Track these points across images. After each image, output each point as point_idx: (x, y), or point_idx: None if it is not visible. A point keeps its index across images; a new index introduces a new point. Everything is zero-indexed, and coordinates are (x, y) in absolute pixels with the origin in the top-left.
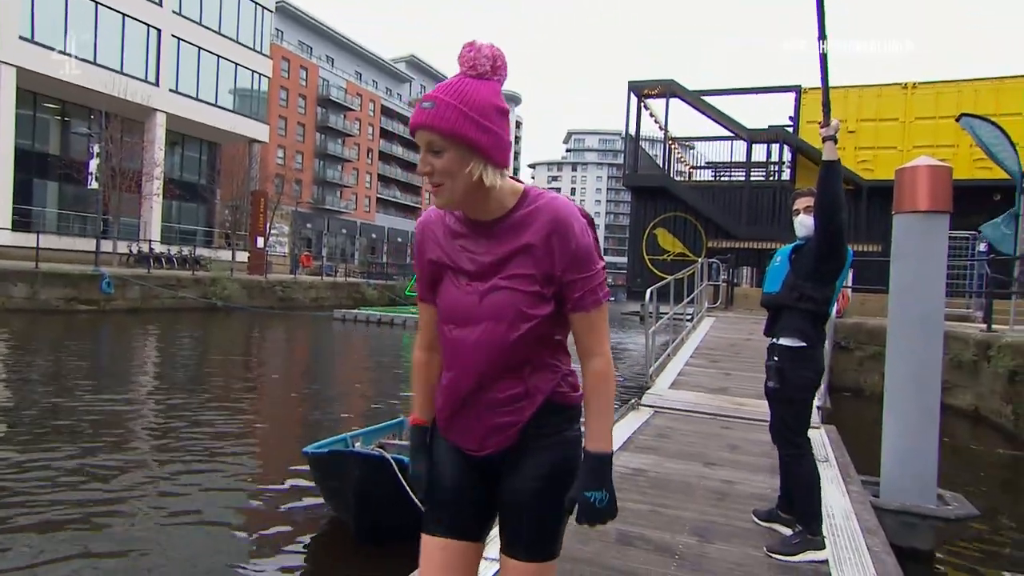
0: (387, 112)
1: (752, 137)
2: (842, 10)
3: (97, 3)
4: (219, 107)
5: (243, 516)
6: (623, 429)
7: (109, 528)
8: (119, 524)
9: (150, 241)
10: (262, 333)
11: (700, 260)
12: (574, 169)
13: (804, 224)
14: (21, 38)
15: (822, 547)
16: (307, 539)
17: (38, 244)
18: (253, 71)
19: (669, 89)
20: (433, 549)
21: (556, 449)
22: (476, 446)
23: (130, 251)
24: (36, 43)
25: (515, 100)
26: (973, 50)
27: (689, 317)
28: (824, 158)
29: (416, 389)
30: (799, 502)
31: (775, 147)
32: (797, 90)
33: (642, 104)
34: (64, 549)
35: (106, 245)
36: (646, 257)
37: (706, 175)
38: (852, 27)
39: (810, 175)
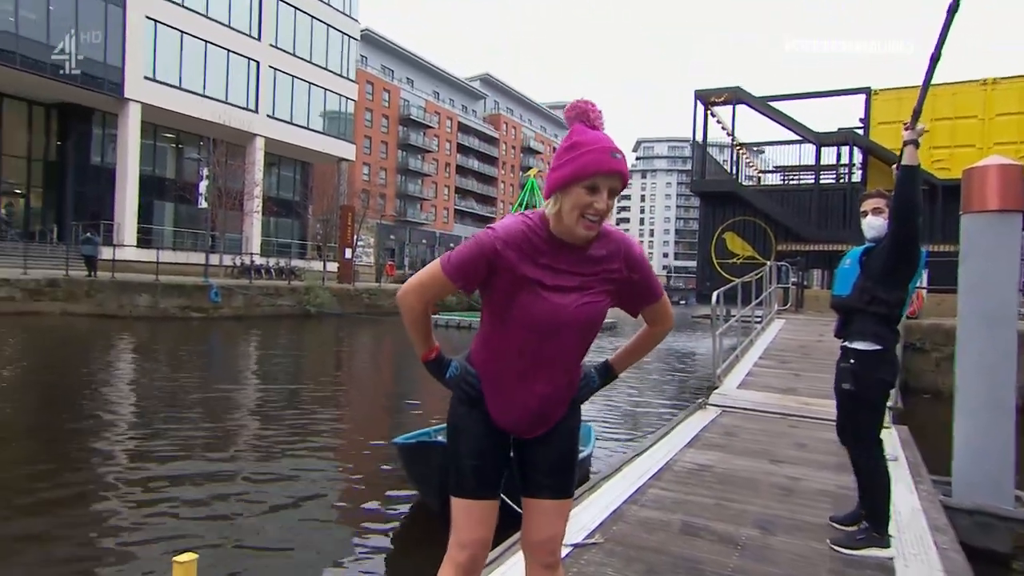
0: (463, 128)
1: (821, 140)
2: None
3: (206, 42)
4: (311, 130)
5: (337, 498)
6: (690, 427)
7: (212, 504)
8: (221, 502)
9: (251, 254)
10: (351, 337)
11: (769, 263)
12: (643, 176)
13: (872, 226)
14: (145, 78)
15: (887, 546)
16: (398, 520)
17: (158, 259)
18: (341, 95)
19: (735, 96)
20: (469, 508)
21: (576, 410)
22: (530, 430)
23: (234, 263)
24: (157, 81)
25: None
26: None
27: (758, 319)
28: (903, 162)
29: (423, 333)
30: (867, 501)
31: (844, 149)
32: (867, 92)
33: (709, 111)
34: (169, 521)
35: (213, 258)
36: (715, 261)
37: (774, 179)
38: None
39: (881, 177)
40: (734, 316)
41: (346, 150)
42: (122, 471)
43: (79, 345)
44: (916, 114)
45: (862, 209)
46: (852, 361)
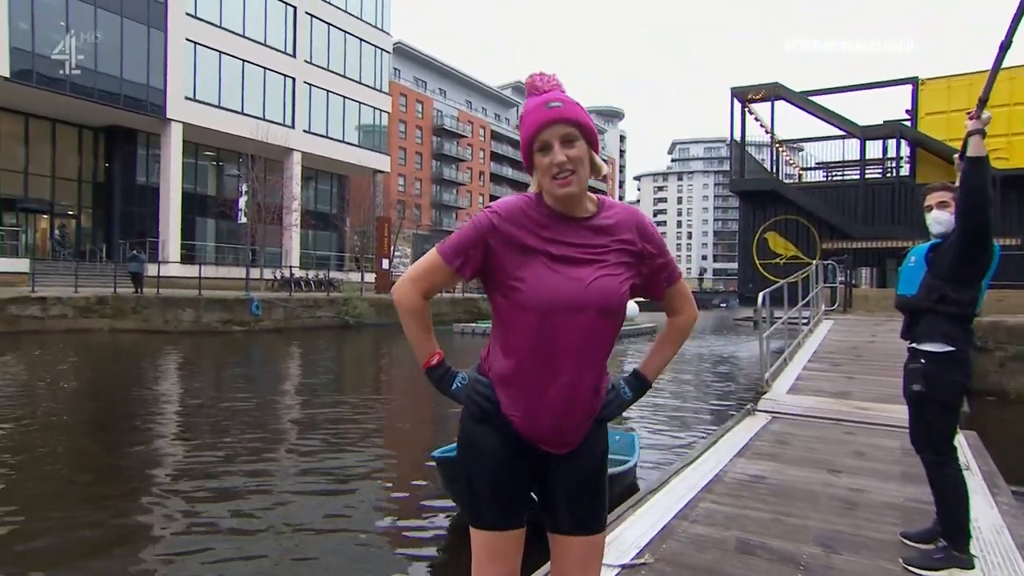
0: (496, 136)
1: (866, 134)
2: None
3: (244, 61)
4: (346, 143)
5: (376, 512)
6: (739, 435)
7: (251, 516)
8: (261, 514)
9: (290, 267)
10: (389, 347)
11: (815, 262)
12: (679, 179)
13: (939, 221)
14: (186, 98)
15: (970, 566)
16: (437, 534)
17: (200, 274)
18: (375, 108)
19: (774, 92)
20: (489, 541)
21: (604, 431)
22: (566, 441)
23: (274, 277)
24: (197, 101)
25: (618, 115)
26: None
27: (805, 321)
28: (970, 154)
29: (423, 331)
30: (944, 515)
31: (891, 143)
32: (914, 82)
33: (746, 109)
34: (208, 529)
35: (254, 272)
36: (757, 262)
37: (817, 176)
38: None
39: (931, 169)
40: (780, 318)
41: (381, 162)
42: (167, 484)
43: (128, 361)
44: (982, 102)
45: (926, 203)
46: (923, 362)
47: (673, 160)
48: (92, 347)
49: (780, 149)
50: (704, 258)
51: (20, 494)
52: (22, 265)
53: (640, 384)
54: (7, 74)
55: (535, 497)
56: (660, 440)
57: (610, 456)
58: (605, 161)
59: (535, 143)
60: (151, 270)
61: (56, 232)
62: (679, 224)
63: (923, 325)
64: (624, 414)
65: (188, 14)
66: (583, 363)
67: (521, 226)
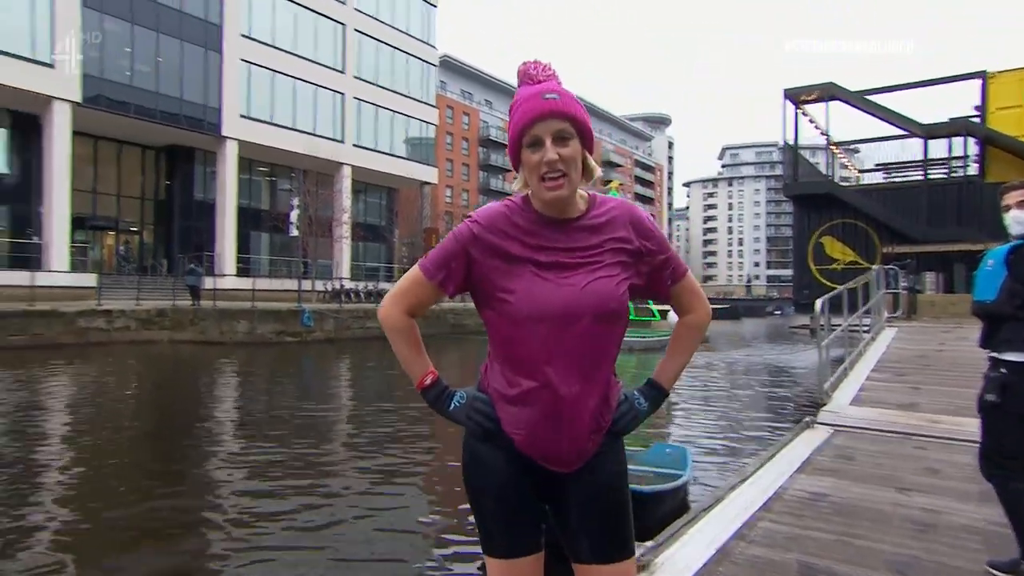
0: None
1: (929, 132)
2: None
3: (295, 78)
4: (394, 156)
5: (424, 526)
6: (798, 449)
7: (301, 528)
8: (309, 519)
9: (340, 279)
10: (437, 357)
11: (875, 267)
12: (730, 184)
13: (1019, 220)
14: (241, 116)
15: None
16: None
17: (254, 286)
18: (422, 121)
19: (828, 92)
20: (504, 570)
21: (619, 446)
22: (572, 459)
23: (325, 289)
24: (251, 118)
25: (665, 121)
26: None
27: (866, 329)
28: None
29: (413, 349)
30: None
31: (956, 141)
32: (982, 76)
33: (799, 111)
34: (271, 529)
35: (306, 284)
36: (813, 267)
37: (876, 178)
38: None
39: (1003, 167)
40: (838, 325)
41: (429, 174)
42: (222, 487)
43: (186, 371)
44: None
45: (1004, 203)
46: (1003, 371)
47: (724, 166)
48: (153, 358)
49: (835, 151)
50: (756, 264)
51: (87, 493)
52: (90, 280)
53: (656, 393)
54: (79, 99)
55: (549, 522)
56: (712, 454)
57: (660, 470)
58: (651, 168)
59: (525, 137)
60: (208, 283)
61: (121, 248)
62: (730, 230)
63: (1004, 332)
64: (674, 427)
65: (243, 35)
66: (586, 374)
67: (504, 234)
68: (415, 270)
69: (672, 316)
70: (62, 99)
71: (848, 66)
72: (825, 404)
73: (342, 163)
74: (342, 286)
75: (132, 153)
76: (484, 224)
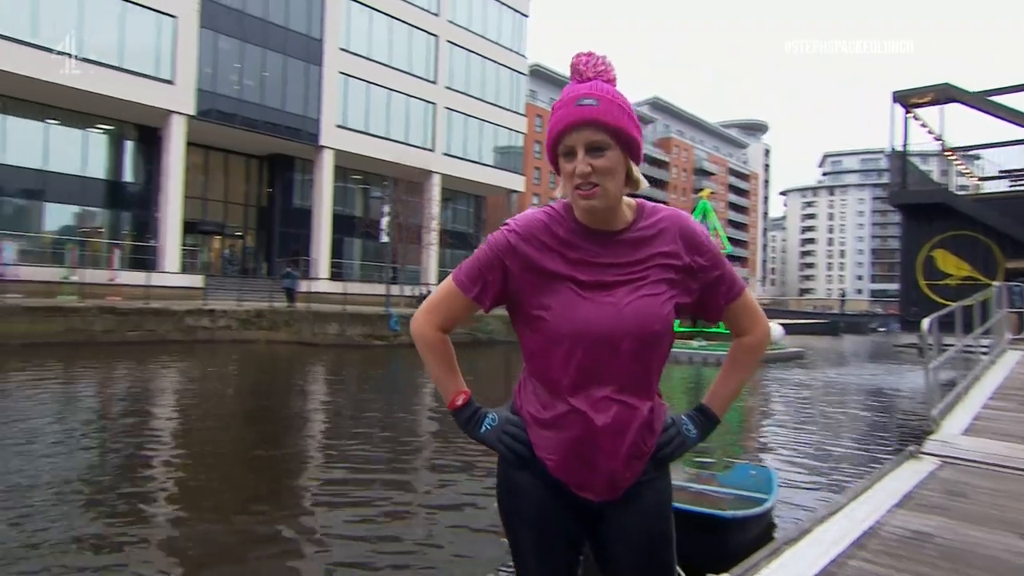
0: None
1: None
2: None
3: (390, 89)
4: (483, 164)
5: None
6: (899, 481)
7: (379, 530)
8: (392, 524)
9: (427, 284)
10: (519, 363)
11: (995, 283)
12: (831, 193)
13: None
14: (337, 126)
15: None
16: None
17: (345, 290)
18: (511, 130)
19: (943, 94)
20: None
21: (665, 476)
22: (608, 488)
23: (412, 294)
24: (347, 128)
25: (761, 128)
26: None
27: (984, 351)
28: None
29: (445, 367)
30: None
31: None
32: None
33: (910, 115)
34: (351, 524)
35: (394, 289)
36: (922, 283)
37: (999, 186)
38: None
39: None
40: (951, 346)
41: (516, 182)
42: (312, 481)
43: (280, 370)
44: None
45: None
46: None
47: (824, 174)
48: (251, 356)
49: (951, 157)
50: (859, 278)
51: (188, 480)
52: (198, 281)
53: (706, 420)
54: (194, 112)
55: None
56: (800, 480)
57: (742, 493)
58: (746, 176)
59: (559, 146)
60: (303, 286)
61: (226, 251)
62: (830, 242)
63: None
64: (759, 447)
65: (341, 48)
66: (626, 397)
67: (543, 245)
68: (448, 282)
69: (778, 330)
70: (179, 113)
71: (962, 68)
72: (932, 432)
73: (432, 171)
74: (428, 291)
75: (238, 162)
76: (522, 233)
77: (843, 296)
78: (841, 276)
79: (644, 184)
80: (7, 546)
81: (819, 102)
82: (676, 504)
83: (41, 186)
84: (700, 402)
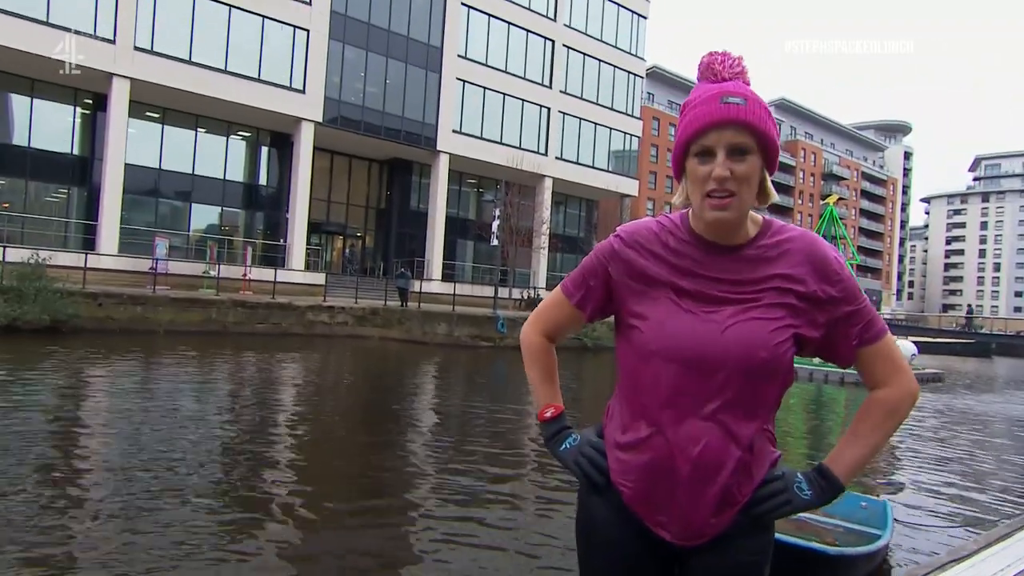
0: None
1: None
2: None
3: (504, 95)
4: (596, 168)
5: None
6: None
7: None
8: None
9: (535, 288)
10: None
11: None
12: (984, 200)
13: None
14: (453, 131)
15: None
16: None
17: (454, 291)
18: (626, 133)
19: None
20: None
21: (765, 534)
22: (693, 533)
23: (522, 296)
24: (462, 133)
25: (903, 129)
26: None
27: None
28: None
29: (544, 376)
30: None
31: None
32: None
33: None
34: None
35: (504, 292)
36: None
37: None
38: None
39: None
40: None
41: (630, 186)
42: (419, 480)
43: (392, 366)
44: None
45: None
46: None
47: (976, 179)
48: (364, 351)
49: None
50: (1018, 295)
51: (300, 471)
52: (319, 278)
53: (827, 484)
54: (321, 119)
55: None
56: (921, 518)
57: (853, 527)
58: (883, 181)
59: (694, 145)
60: (416, 286)
61: (347, 251)
62: (982, 253)
63: None
64: (876, 476)
65: (459, 55)
66: (721, 431)
67: (648, 252)
68: (556, 289)
69: (903, 346)
70: (308, 120)
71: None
72: None
73: (544, 175)
74: (536, 295)
75: (360, 166)
76: (627, 238)
77: (970, 313)
78: (994, 292)
79: (775, 197)
80: (140, 507)
81: (971, 100)
82: (775, 535)
83: (189, 188)
84: (821, 462)
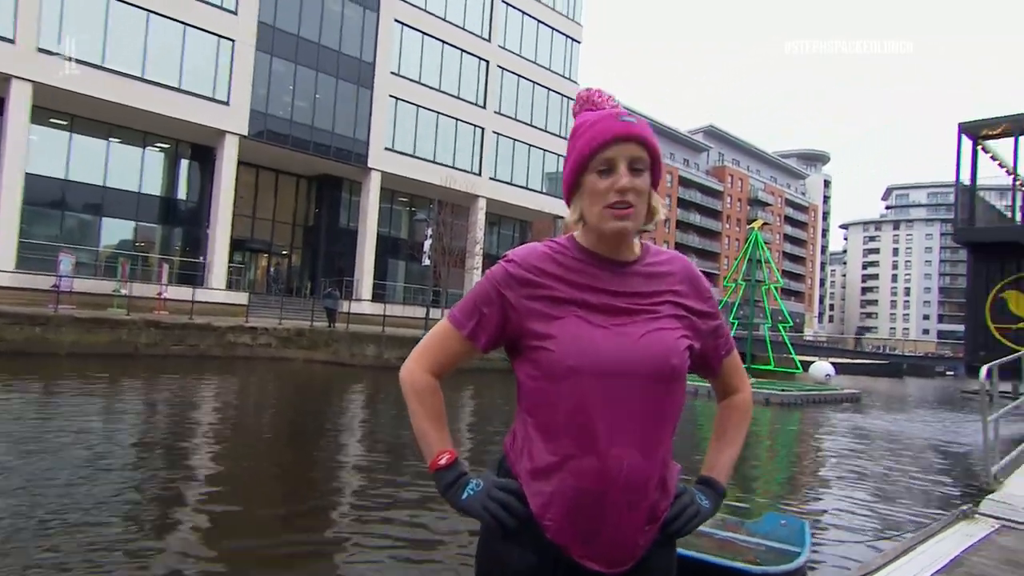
0: (684, 182)
1: None
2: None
3: (438, 113)
4: (529, 189)
5: None
6: (948, 544)
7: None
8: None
9: None
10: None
11: None
12: (896, 228)
13: None
14: (385, 149)
15: None
16: None
17: (385, 312)
18: (559, 155)
19: (1018, 126)
20: None
21: (672, 554)
22: (625, 557)
23: None
24: (395, 151)
25: (822, 159)
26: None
27: None
28: None
29: (431, 419)
30: None
31: None
32: None
33: (979, 147)
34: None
35: (436, 313)
36: (991, 326)
37: None
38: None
39: None
40: (1018, 396)
41: (563, 208)
42: (344, 505)
43: (317, 389)
44: None
45: None
46: None
47: (888, 207)
48: (288, 374)
49: None
50: (926, 318)
51: (221, 496)
52: (242, 298)
53: (714, 493)
54: (246, 133)
55: None
56: (835, 534)
57: (774, 545)
58: (805, 208)
59: (594, 160)
60: (345, 307)
61: (272, 270)
62: (894, 279)
63: None
64: (792, 496)
65: (392, 72)
66: (643, 446)
67: (546, 273)
68: (443, 320)
69: (821, 367)
70: (232, 132)
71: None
72: (992, 492)
73: (478, 195)
74: None
75: (287, 182)
76: (520, 262)
77: (859, 333)
78: (906, 315)
79: (661, 215)
80: (27, 543)
81: (883, 133)
82: (701, 555)
83: (99, 201)
84: (703, 474)
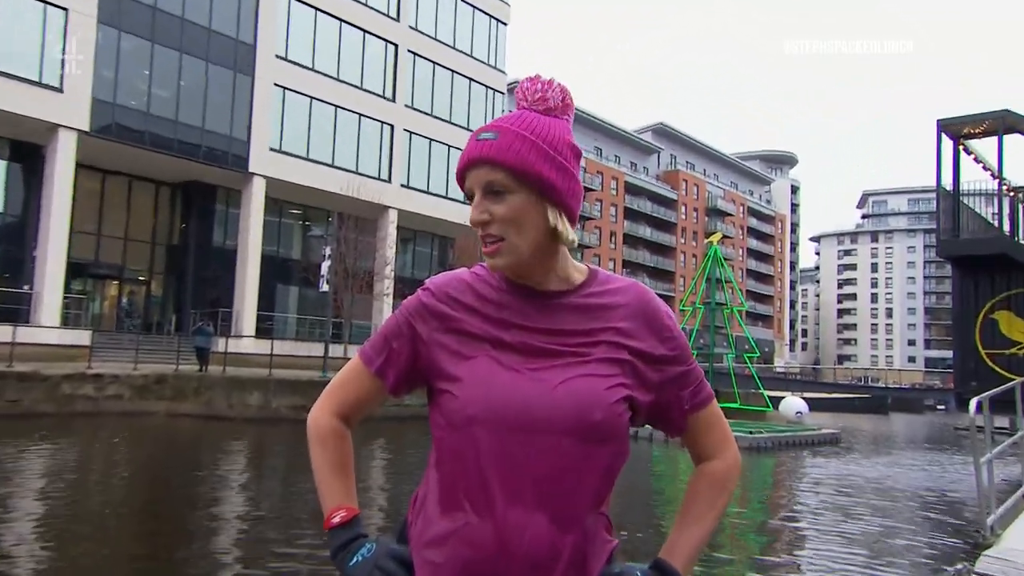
0: (632, 189)
1: None
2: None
3: (336, 107)
4: (451, 199)
5: None
6: None
7: None
8: None
9: None
10: None
11: None
12: (874, 240)
13: None
14: (271, 149)
15: None
16: None
17: (272, 351)
18: None
19: (1002, 123)
20: None
21: None
22: None
23: None
24: (283, 152)
25: (789, 161)
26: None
27: None
28: None
29: (335, 469)
30: None
31: None
32: None
33: (960, 147)
34: None
35: (338, 350)
36: (982, 351)
37: None
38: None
39: None
40: (1013, 432)
41: None
42: None
43: (185, 451)
44: None
45: None
46: None
47: (864, 216)
48: (146, 433)
49: (1017, 198)
50: (912, 343)
51: None
52: (83, 337)
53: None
54: (87, 128)
55: None
56: None
57: None
58: (770, 218)
59: (464, 189)
60: (221, 345)
61: (124, 301)
62: (873, 298)
63: None
64: (772, 552)
65: (278, 56)
66: (554, 514)
67: (461, 305)
68: (354, 359)
69: (791, 403)
70: (68, 127)
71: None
72: (990, 546)
73: (387, 206)
74: None
75: (144, 190)
76: (436, 292)
77: (816, 364)
78: (888, 340)
79: (571, 239)
80: None
81: (856, 134)
82: None
83: None
84: (658, 556)
